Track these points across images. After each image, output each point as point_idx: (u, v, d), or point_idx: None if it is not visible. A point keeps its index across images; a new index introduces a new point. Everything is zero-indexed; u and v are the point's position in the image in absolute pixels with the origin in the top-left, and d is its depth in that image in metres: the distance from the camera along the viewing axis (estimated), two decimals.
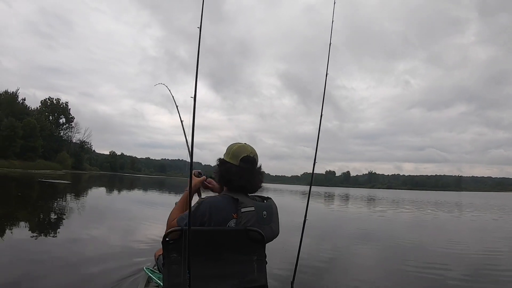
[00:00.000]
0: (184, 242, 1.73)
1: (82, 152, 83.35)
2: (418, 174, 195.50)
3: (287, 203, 20.71)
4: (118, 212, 11.01)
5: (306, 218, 2.58)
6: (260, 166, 2.02)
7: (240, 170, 1.92)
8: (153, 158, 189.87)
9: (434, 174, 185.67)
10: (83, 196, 16.69)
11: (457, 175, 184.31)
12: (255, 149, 2.03)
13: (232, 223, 1.85)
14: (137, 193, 22.62)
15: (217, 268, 1.86)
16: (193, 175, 2.01)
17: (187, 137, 2.35)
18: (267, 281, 1.94)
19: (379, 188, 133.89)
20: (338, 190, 64.97)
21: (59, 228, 7.27)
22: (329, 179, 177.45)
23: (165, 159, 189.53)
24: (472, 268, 5.40)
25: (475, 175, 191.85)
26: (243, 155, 1.95)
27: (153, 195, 21.44)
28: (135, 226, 8.01)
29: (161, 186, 35.32)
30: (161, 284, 2.05)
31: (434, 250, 6.80)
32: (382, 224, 11.63)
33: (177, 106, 2.72)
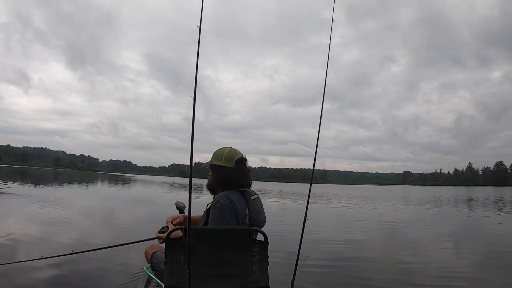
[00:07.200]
0: (184, 242, 1.74)
1: None
2: (283, 167, 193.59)
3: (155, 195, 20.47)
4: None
5: (307, 218, 2.59)
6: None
7: (237, 171, 2.14)
8: (14, 146, 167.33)
9: (299, 168, 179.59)
10: None
11: (320, 169, 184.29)
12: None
13: (247, 211, 2.06)
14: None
15: (219, 268, 1.89)
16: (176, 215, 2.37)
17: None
18: (269, 282, 1.95)
19: None
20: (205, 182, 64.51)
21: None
22: (198, 170, 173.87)
23: (27, 147, 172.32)
24: (328, 254, 5.51)
25: (338, 169, 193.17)
26: (237, 158, 2.17)
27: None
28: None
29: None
30: (162, 284, 2.06)
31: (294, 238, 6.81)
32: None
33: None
